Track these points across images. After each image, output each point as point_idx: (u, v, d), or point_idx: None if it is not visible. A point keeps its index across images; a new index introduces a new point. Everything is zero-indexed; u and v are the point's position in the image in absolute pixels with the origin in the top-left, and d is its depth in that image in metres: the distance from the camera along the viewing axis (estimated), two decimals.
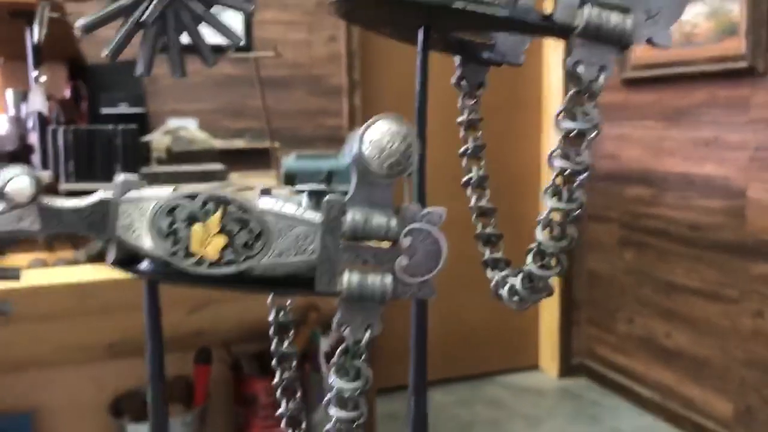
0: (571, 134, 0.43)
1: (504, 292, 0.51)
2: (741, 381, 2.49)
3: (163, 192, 0.41)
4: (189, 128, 2.43)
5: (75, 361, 1.48)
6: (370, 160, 0.40)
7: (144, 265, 0.41)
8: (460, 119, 0.60)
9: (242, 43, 2.76)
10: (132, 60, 0.42)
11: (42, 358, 1.47)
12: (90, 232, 0.41)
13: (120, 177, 0.42)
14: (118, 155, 1.72)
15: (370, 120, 0.40)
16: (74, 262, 1.32)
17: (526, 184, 3.23)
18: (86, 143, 1.70)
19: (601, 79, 0.42)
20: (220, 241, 0.40)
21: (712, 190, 2.58)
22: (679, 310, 2.74)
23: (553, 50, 3.20)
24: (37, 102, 2.02)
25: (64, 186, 1.62)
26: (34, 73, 1.99)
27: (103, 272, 1.31)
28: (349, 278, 0.40)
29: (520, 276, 0.48)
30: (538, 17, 0.44)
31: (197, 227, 0.40)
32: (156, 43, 0.41)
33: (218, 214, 0.40)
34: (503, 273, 0.55)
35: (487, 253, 0.59)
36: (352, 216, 0.40)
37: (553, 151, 0.44)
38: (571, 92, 0.43)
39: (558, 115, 0.44)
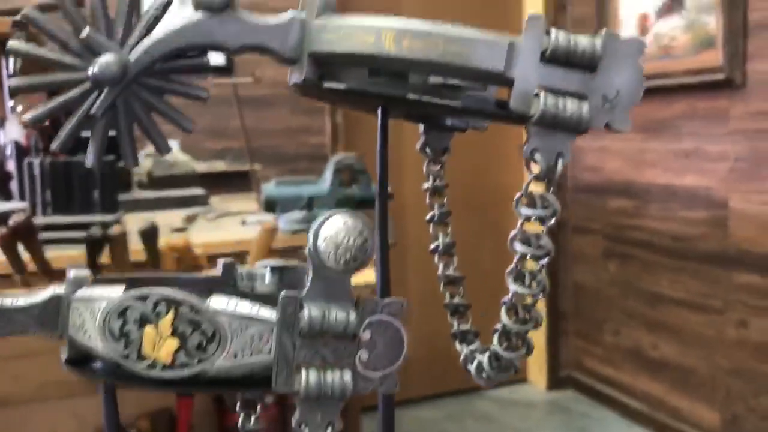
0: (531, 220, 0.43)
1: (472, 368, 0.51)
2: (727, 391, 2.50)
3: (115, 292, 0.40)
4: (171, 150, 2.42)
5: (56, 397, 1.47)
6: (326, 255, 0.39)
7: (97, 365, 0.40)
8: (425, 186, 0.60)
9: (223, 63, 2.75)
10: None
11: (23, 394, 1.46)
12: (42, 332, 0.41)
13: (71, 273, 0.41)
14: (96, 185, 1.71)
15: (326, 215, 0.40)
16: None
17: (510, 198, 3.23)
18: (63, 174, 1.68)
19: (559, 165, 0.42)
20: (173, 343, 0.39)
21: (694, 201, 2.60)
22: (665, 320, 2.75)
23: None
24: (14, 131, 2.01)
25: (41, 219, 1.61)
26: (10, 103, 1.97)
27: None
28: (307, 377, 0.39)
29: (486, 354, 0.47)
30: (493, 107, 0.44)
31: (149, 329, 0.39)
32: (106, 134, 0.40)
33: (170, 315, 0.39)
34: (471, 347, 0.55)
35: (455, 325, 0.58)
36: (309, 312, 0.39)
37: (514, 236, 0.44)
38: (529, 179, 0.43)
39: (516, 201, 0.44)
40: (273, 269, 0.50)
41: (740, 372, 2.45)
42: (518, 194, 0.43)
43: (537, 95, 0.41)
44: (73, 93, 0.40)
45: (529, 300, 0.46)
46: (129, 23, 0.40)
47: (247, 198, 2.23)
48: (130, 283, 0.40)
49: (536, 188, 0.43)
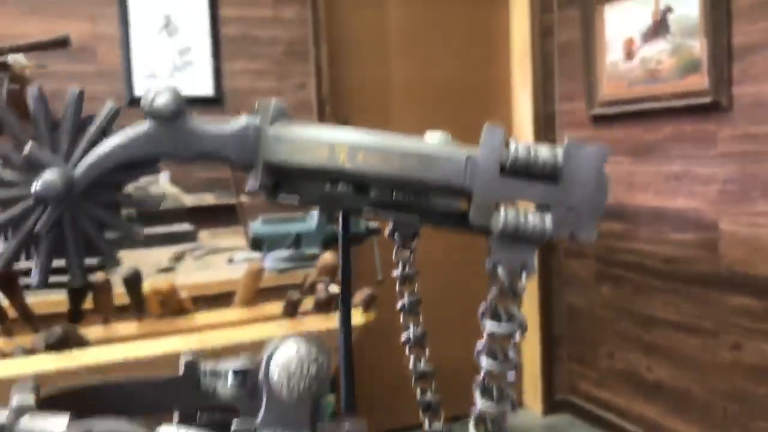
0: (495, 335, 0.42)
1: None
2: (723, 413, 2.49)
3: (58, 426, 0.39)
4: (159, 183, 2.41)
5: None
6: (279, 386, 0.39)
7: None
8: (395, 273, 0.58)
9: (213, 94, 2.75)
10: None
11: None
12: None
13: (14, 399, 0.40)
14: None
15: (278, 341, 0.39)
16: (32, 350, 1.29)
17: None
18: None
19: (524, 278, 0.41)
20: None
21: (685, 224, 2.60)
22: (659, 343, 2.74)
23: (521, 90, 3.22)
24: None
25: (23, 264, 1.59)
26: None
27: (61, 361, 1.28)
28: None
29: None
30: (453, 219, 0.43)
31: None
32: (53, 251, 0.39)
33: None
34: None
35: (426, 424, 0.57)
36: None
37: (480, 350, 0.43)
38: (493, 292, 0.42)
39: (481, 314, 0.43)
40: (236, 373, 0.49)
41: (735, 395, 2.44)
42: (482, 307, 0.42)
43: (498, 208, 0.40)
44: (15, 210, 0.38)
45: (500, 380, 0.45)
46: (74, 136, 0.38)
47: (236, 232, 2.22)
48: (84, 399, 0.39)
49: (501, 301, 0.42)
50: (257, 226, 1.71)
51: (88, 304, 1.42)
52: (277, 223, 1.69)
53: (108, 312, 1.42)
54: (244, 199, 2.23)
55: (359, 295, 1.44)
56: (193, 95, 2.64)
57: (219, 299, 1.56)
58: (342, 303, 0.54)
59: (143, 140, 0.39)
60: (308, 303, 1.43)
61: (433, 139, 0.43)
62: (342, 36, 2.97)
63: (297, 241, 1.65)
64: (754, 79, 2.33)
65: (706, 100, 2.44)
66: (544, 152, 0.40)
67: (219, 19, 2.74)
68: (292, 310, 1.36)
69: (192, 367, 0.49)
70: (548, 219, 0.40)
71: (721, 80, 2.40)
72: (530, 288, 3.33)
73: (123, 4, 2.61)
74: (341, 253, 0.54)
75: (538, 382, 3.25)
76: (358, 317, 1.42)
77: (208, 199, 2.35)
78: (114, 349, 1.33)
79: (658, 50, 2.64)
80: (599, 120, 2.93)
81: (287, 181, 0.43)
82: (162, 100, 0.38)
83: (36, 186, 0.37)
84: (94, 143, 0.39)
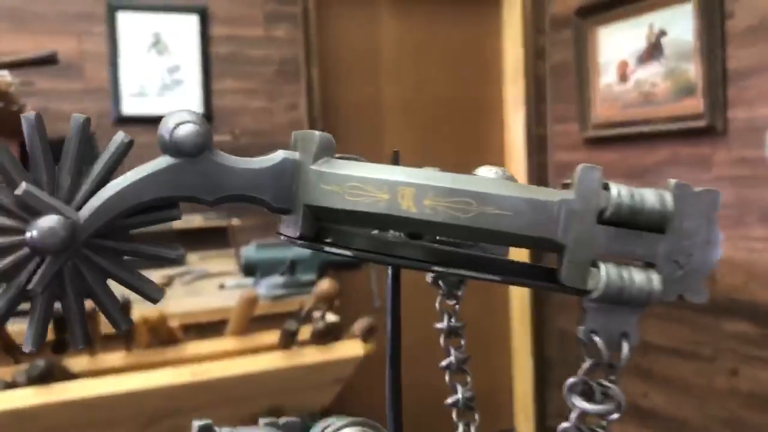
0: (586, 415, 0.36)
1: None
2: None
3: None
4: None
5: None
6: None
7: None
8: (439, 325, 0.51)
9: (203, 113, 2.70)
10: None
11: None
12: None
13: None
14: None
15: (329, 425, 0.33)
16: (13, 384, 1.22)
17: None
18: None
19: (625, 349, 0.36)
20: None
21: None
22: (655, 369, 2.70)
23: (513, 113, 3.20)
24: None
25: None
26: None
27: (44, 395, 1.22)
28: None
29: None
30: (539, 278, 0.37)
31: None
32: (49, 311, 0.33)
33: None
34: None
35: None
36: None
37: (565, 429, 0.37)
38: (586, 365, 0.36)
39: (569, 387, 0.37)
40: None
41: (732, 422, 2.40)
42: (570, 380, 0.36)
43: (596, 266, 0.35)
44: (5, 262, 0.32)
45: None
46: (78, 173, 0.33)
47: (226, 256, 2.16)
48: None
49: (595, 375, 0.36)
50: (250, 251, 1.65)
51: None
52: (271, 249, 1.64)
53: (94, 342, 1.35)
54: (235, 222, 2.18)
55: (358, 325, 1.39)
56: None
57: (210, 328, 1.50)
58: (391, 364, 0.48)
59: (162, 179, 0.33)
60: (305, 332, 1.38)
61: (489, 176, 0.38)
62: (334, 56, 2.94)
63: (292, 267, 1.59)
64: (749, 103, 2.31)
65: (701, 123, 2.42)
66: (650, 197, 0.34)
67: (209, 37, 2.70)
68: (288, 341, 1.31)
69: None
70: (656, 279, 0.34)
71: (716, 104, 2.38)
72: (522, 312, 3.29)
73: (111, 21, 2.56)
74: (390, 308, 0.48)
75: (530, 406, 3.20)
76: (357, 348, 1.37)
77: (197, 221, 2.29)
78: (100, 382, 1.27)
79: (652, 73, 2.62)
80: (593, 142, 2.91)
81: (330, 228, 0.37)
82: (185, 131, 0.32)
83: (32, 234, 0.31)
84: (102, 182, 0.33)
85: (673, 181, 0.36)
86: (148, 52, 2.63)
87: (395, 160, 0.43)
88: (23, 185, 0.32)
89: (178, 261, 0.35)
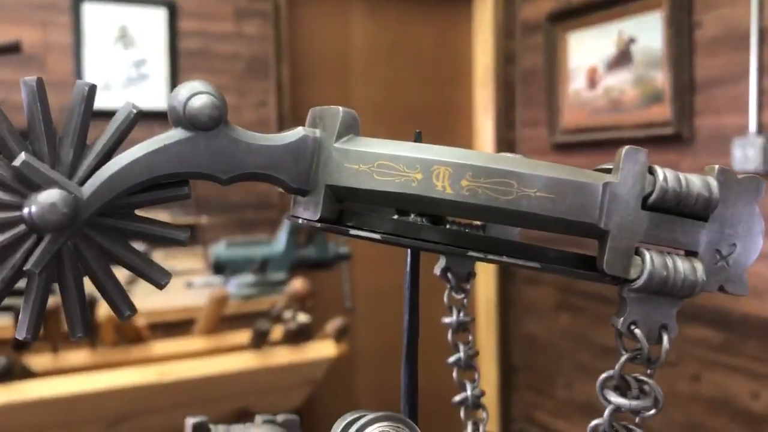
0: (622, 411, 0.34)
1: None
2: None
3: None
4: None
5: None
6: None
7: None
8: (447, 320, 0.49)
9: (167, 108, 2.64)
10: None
11: None
12: None
13: None
14: None
15: (356, 417, 0.31)
16: None
17: None
18: None
19: (665, 342, 0.34)
20: None
21: None
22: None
23: (483, 117, 3.21)
24: None
25: None
26: None
27: (3, 394, 1.17)
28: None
29: None
30: (575, 266, 0.35)
31: None
32: (46, 294, 0.30)
33: None
34: None
35: None
36: None
37: (597, 425, 0.35)
38: (624, 358, 0.34)
39: (602, 382, 0.35)
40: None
41: (693, 427, 2.43)
42: (605, 374, 0.35)
43: (638, 253, 0.33)
44: (1, 240, 0.29)
45: None
46: (81, 146, 0.30)
47: (192, 253, 2.11)
48: None
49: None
50: (220, 249, 1.61)
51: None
52: (241, 247, 1.60)
53: (57, 339, 1.30)
54: (203, 219, 2.13)
55: (331, 326, 1.37)
56: (148, 109, 2.53)
57: (178, 327, 1.46)
58: (407, 358, 0.45)
59: (173, 155, 0.30)
60: (276, 333, 1.35)
61: None
62: (304, 54, 2.91)
63: (262, 266, 1.56)
64: (716, 111, 2.35)
65: (669, 131, 2.45)
66: (696, 182, 0.33)
67: (178, 32, 2.64)
68: (260, 341, 1.27)
69: (202, 431, 0.41)
70: (700, 268, 0.33)
71: (684, 112, 2.41)
72: (487, 316, 3.29)
73: (77, 12, 2.49)
74: (408, 299, 0.45)
75: (495, 411, 3.20)
76: (329, 349, 1.35)
77: (162, 216, 2.23)
78: (63, 381, 1.22)
79: (621, 80, 2.65)
80: (561, 147, 2.93)
81: (351, 211, 0.34)
82: (200, 103, 0.29)
83: (30, 209, 0.28)
84: (108, 155, 0.30)
85: (716, 167, 0.34)
86: (114, 44, 2.56)
87: (417, 141, 0.40)
88: (22, 156, 0.29)
89: (185, 242, 0.32)
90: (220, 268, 1.60)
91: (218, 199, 2.70)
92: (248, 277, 1.54)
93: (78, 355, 1.33)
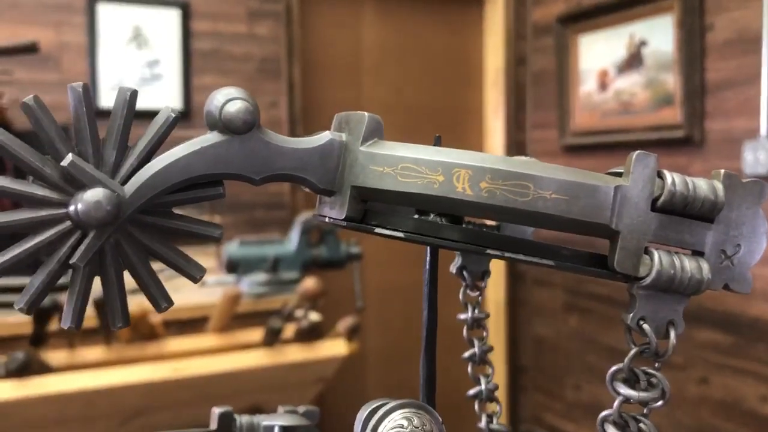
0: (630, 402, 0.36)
1: None
2: None
3: None
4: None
5: None
6: None
7: None
8: (462, 316, 0.51)
9: (181, 109, 2.67)
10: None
11: None
12: None
13: None
14: None
15: (377, 411, 0.32)
16: None
17: None
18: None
19: (672, 337, 0.36)
20: None
21: None
22: None
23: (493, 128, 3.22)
24: None
25: None
26: None
27: (22, 389, 1.19)
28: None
29: None
30: (591, 268, 0.37)
31: None
32: (89, 287, 0.32)
33: None
34: None
35: None
36: None
37: (607, 418, 0.37)
38: (633, 351, 0.36)
39: (612, 375, 0.37)
40: (285, 428, 0.42)
41: (702, 430, 2.43)
42: (615, 367, 0.37)
43: (648, 252, 0.35)
44: (47, 236, 0.31)
45: None
46: (123, 147, 0.32)
47: (204, 252, 2.13)
48: None
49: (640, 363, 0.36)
50: (233, 247, 1.63)
51: (52, 325, 1.32)
52: (254, 246, 1.62)
53: (73, 336, 1.32)
54: (216, 219, 2.15)
55: (343, 324, 1.38)
56: (160, 109, 2.56)
57: (191, 324, 1.48)
58: (426, 351, 0.47)
59: (210, 156, 0.32)
60: (288, 331, 1.37)
61: None
62: (316, 55, 2.93)
63: (275, 265, 1.58)
64: (726, 115, 2.35)
65: (679, 134, 2.46)
66: (703, 186, 0.35)
67: (191, 32, 2.67)
68: (273, 339, 1.29)
69: (226, 421, 0.42)
70: (706, 267, 0.35)
71: (694, 115, 2.42)
72: (497, 317, 3.30)
73: (91, 12, 2.51)
74: (427, 295, 0.47)
75: (503, 411, 3.20)
76: (341, 347, 1.36)
77: None
78: (79, 376, 1.25)
79: (632, 83, 2.66)
80: (571, 150, 2.93)
81: (375, 211, 0.36)
82: (236, 108, 0.31)
83: (76, 207, 0.30)
84: (148, 156, 0.32)
85: (722, 171, 0.36)
86: (128, 45, 2.59)
87: (437, 145, 0.42)
88: (69, 156, 0.31)
89: (220, 239, 0.34)
90: (232, 266, 1.62)
91: (230, 199, 2.72)
92: (260, 276, 1.56)
93: (94, 351, 1.35)
